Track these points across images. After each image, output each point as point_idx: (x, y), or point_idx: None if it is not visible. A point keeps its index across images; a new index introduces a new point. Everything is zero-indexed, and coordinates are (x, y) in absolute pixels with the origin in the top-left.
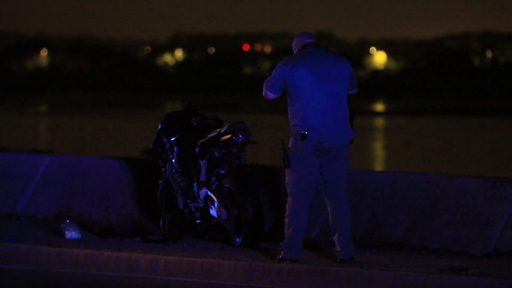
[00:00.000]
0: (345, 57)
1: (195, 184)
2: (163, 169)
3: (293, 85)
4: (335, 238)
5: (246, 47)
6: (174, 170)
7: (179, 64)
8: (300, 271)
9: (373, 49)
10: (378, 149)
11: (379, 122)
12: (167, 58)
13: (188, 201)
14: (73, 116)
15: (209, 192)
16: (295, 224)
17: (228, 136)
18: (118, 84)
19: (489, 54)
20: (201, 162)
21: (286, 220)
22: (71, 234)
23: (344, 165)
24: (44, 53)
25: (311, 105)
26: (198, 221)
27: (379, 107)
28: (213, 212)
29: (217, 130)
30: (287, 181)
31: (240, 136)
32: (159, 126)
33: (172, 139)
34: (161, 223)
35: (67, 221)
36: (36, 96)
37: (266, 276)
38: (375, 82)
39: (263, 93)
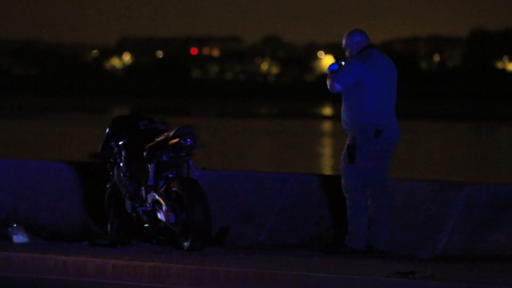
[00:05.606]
0: None
1: (143, 188)
2: (111, 173)
3: (365, 85)
4: (371, 231)
5: (194, 51)
6: (122, 174)
7: (127, 68)
8: (248, 275)
9: (321, 52)
10: (325, 153)
11: (327, 126)
12: (115, 62)
13: (136, 205)
14: (20, 119)
15: (157, 196)
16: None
17: (176, 139)
18: (66, 87)
19: (436, 58)
20: (149, 166)
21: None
22: (19, 238)
23: (389, 163)
24: None
25: (381, 105)
26: (146, 225)
27: (327, 110)
28: (161, 216)
29: (165, 134)
30: (349, 177)
31: (188, 139)
32: (107, 130)
33: (120, 143)
34: (109, 227)
35: (15, 225)
36: None
37: (214, 280)
38: (323, 86)
39: (329, 86)
